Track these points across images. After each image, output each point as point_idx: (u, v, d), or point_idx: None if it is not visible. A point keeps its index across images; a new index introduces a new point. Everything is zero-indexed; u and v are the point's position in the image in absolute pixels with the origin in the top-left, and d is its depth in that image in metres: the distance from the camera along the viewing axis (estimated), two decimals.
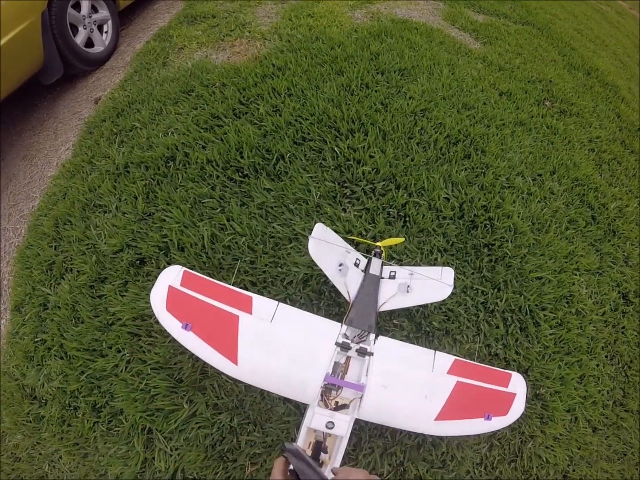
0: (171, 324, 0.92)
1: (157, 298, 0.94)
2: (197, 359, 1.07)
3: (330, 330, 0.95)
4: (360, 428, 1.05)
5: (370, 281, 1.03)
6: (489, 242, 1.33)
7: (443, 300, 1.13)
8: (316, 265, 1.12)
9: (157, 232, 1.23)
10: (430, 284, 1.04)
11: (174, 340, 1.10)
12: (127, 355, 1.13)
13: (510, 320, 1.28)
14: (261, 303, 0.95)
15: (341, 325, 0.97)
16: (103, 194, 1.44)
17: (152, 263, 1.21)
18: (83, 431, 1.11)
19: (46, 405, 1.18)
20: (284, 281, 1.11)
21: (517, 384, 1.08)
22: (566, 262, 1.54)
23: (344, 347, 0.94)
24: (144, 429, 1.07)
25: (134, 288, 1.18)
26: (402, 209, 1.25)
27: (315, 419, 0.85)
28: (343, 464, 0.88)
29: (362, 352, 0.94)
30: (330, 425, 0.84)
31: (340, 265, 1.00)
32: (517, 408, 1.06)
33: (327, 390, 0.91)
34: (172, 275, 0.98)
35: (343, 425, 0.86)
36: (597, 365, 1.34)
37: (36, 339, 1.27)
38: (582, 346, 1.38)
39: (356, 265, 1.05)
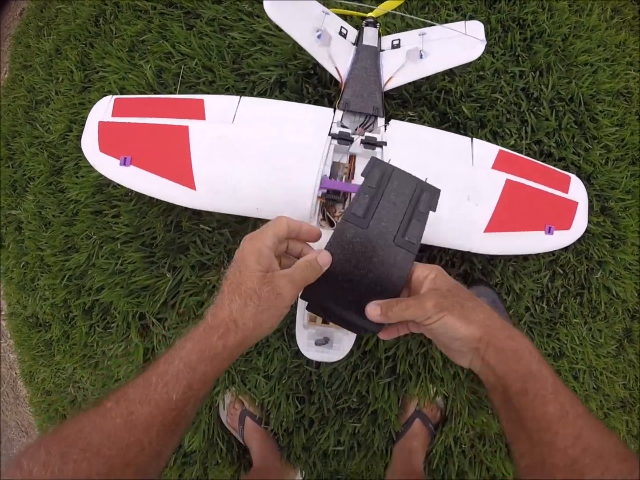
0: (108, 166, 0.68)
1: (88, 142, 0.70)
2: (168, 213, 0.82)
3: (319, 119, 0.64)
4: None
5: (365, 54, 0.70)
6: (518, 16, 0.96)
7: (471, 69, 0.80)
8: (291, 61, 0.81)
9: (98, 92, 0.95)
10: (451, 44, 0.71)
11: (137, 200, 0.86)
12: (96, 238, 0.91)
13: (562, 112, 0.95)
14: (216, 103, 0.66)
15: (334, 112, 0.67)
16: (41, 87, 1.17)
17: None
18: (83, 339, 0.96)
19: (50, 328, 1.05)
20: (254, 91, 0.81)
21: (578, 191, 0.79)
22: (618, 52, 1.16)
23: (343, 138, 0.64)
24: (134, 315, 0.87)
25: (84, 162, 0.94)
26: None
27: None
28: None
29: (371, 143, 0.64)
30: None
31: (318, 31, 0.67)
32: (581, 222, 0.78)
33: (329, 204, 0.63)
34: (101, 110, 0.72)
35: None
36: None
37: (22, 266, 1.11)
38: None
39: (342, 35, 0.72)
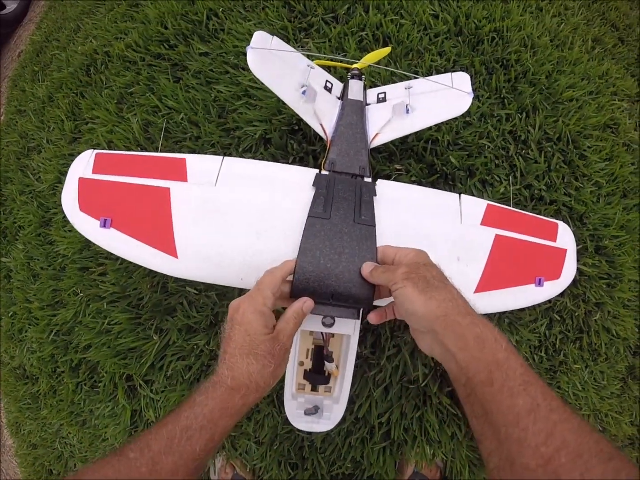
0: (87, 227, 0.63)
1: (68, 199, 0.65)
2: (154, 274, 0.79)
3: (304, 181, 0.61)
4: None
5: (351, 109, 0.68)
6: (502, 56, 0.95)
7: (459, 123, 0.78)
8: (275, 116, 0.79)
9: (87, 144, 0.93)
10: (438, 97, 0.68)
11: (123, 259, 0.83)
12: (83, 295, 0.88)
13: (550, 152, 0.93)
14: (199, 163, 0.62)
15: (319, 172, 0.64)
16: (33, 135, 1.16)
17: None
18: (70, 397, 0.93)
19: (37, 381, 1.01)
20: (239, 148, 0.79)
21: (566, 237, 0.76)
22: (602, 83, 1.15)
23: None
24: (121, 376, 0.84)
25: None
26: (378, 30, 0.88)
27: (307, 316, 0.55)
28: (355, 373, 0.60)
29: None
30: (328, 321, 0.54)
31: (303, 87, 0.65)
32: (570, 269, 0.75)
33: None
34: (82, 165, 0.66)
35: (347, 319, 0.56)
36: None
37: (10, 315, 1.08)
38: (638, 187, 1.03)
39: (327, 89, 0.70)
